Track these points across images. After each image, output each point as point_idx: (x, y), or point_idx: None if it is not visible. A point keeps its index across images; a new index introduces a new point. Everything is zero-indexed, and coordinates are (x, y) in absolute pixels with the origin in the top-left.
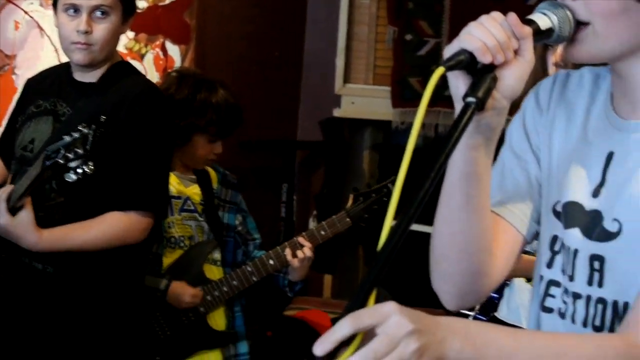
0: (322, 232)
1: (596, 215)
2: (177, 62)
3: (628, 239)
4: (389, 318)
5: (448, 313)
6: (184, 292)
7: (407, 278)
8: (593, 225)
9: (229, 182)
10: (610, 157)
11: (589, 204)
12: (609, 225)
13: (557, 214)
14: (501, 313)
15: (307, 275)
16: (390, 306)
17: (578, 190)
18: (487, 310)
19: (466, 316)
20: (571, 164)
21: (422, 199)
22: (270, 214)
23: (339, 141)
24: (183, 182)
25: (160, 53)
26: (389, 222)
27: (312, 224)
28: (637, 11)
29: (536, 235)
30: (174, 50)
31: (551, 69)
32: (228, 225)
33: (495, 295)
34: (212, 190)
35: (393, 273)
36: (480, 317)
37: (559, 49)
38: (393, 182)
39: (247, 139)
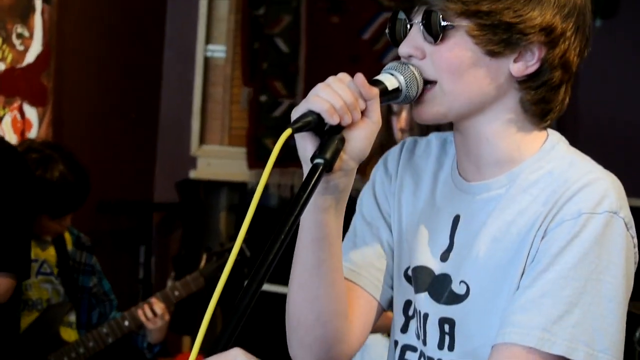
0: (176, 293)
1: (444, 279)
2: (35, 125)
3: (475, 300)
4: (236, 357)
5: None
6: None
7: (262, 339)
8: (442, 289)
9: (83, 245)
10: (456, 220)
11: (438, 268)
12: (457, 288)
13: (408, 278)
14: None
15: (165, 336)
16: (236, 350)
17: (427, 254)
18: None
19: None
20: (420, 230)
21: (272, 261)
22: (128, 275)
23: (195, 202)
24: (39, 245)
25: (18, 115)
26: (223, 280)
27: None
28: (485, 66)
29: (392, 302)
30: (31, 112)
31: (397, 134)
32: (83, 287)
33: None
34: (67, 252)
35: (247, 334)
36: None
37: (404, 113)
38: (246, 242)
39: (103, 200)
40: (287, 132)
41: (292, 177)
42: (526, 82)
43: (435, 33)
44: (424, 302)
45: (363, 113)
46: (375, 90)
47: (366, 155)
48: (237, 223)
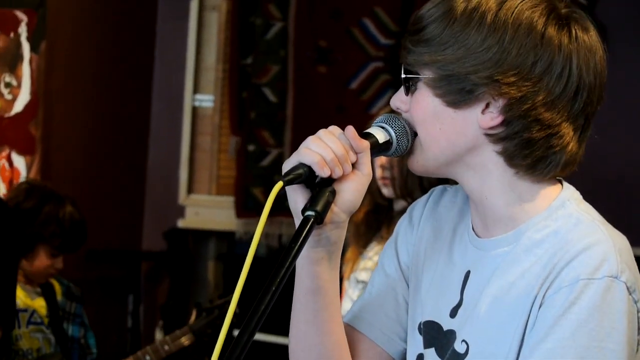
0: (166, 347)
1: (450, 336)
2: (23, 173)
3: None
4: None
5: None
6: None
7: None
8: (447, 346)
9: (73, 295)
10: (467, 276)
11: (446, 323)
12: (458, 346)
13: (421, 332)
14: None
15: None
16: None
17: (438, 309)
18: None
19: None
20: (435, 283)
21: (264, 312)
22: (116, 324)
23: (183, 252)
24: (29, 295)
25: (6, 164)
26: (223, 334)
27: (158, 335)
28: (450, 117)
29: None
30: (19, 161)
31: (377, 171)
32: (73, 337)
33: None
34: (57, 302)
35: None
36: None
37: None
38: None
39: (92, 249)
40: (279, 185)
41: (280, 227)
42: (495, 135)
43: (405, 85)
44: (430, 358)
45: (354, 165)
46: (366, 143)
47: (357, 207)
48: (224, 272)
